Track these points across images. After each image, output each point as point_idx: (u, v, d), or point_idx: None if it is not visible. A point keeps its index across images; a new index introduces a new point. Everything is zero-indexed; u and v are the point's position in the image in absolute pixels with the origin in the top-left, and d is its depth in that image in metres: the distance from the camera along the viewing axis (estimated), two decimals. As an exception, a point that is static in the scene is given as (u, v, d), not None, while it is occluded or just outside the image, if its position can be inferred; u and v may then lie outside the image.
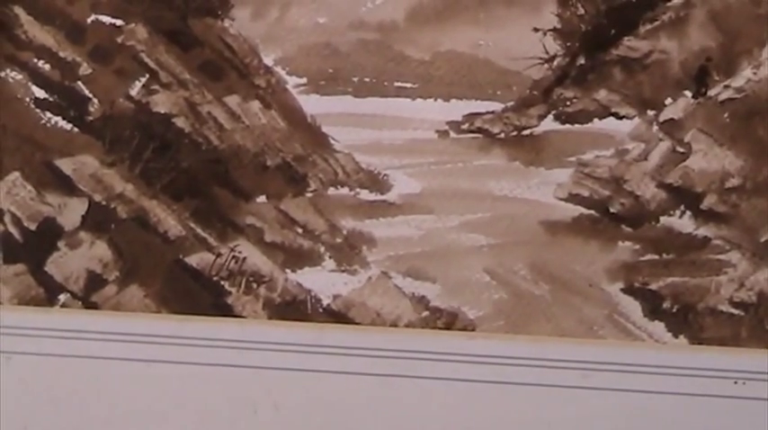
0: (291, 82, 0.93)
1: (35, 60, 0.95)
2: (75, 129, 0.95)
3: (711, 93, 0.92)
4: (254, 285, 0.98)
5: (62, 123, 0.95)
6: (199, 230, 0.97)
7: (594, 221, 0.94)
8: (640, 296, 0.94)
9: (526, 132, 0.93)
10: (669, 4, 0.90)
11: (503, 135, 0.93)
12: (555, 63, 0.91)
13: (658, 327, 0.93)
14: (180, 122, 0.95)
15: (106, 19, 0.93)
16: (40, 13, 0.94)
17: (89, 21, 0.93)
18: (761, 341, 0.93)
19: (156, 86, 0.94)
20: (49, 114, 0.95)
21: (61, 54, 0.95)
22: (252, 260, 0.97)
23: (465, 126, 0.93)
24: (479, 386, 0.95)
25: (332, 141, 0.94)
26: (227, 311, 0.97)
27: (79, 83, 0.95)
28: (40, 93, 0.95)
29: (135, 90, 0.95)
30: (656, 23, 0.91)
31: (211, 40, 0.94)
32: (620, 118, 0.92)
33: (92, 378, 0.98)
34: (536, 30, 0.91)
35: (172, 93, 0.94)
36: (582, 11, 0.92)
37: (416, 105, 0.93)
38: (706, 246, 0.94)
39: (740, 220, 0.93)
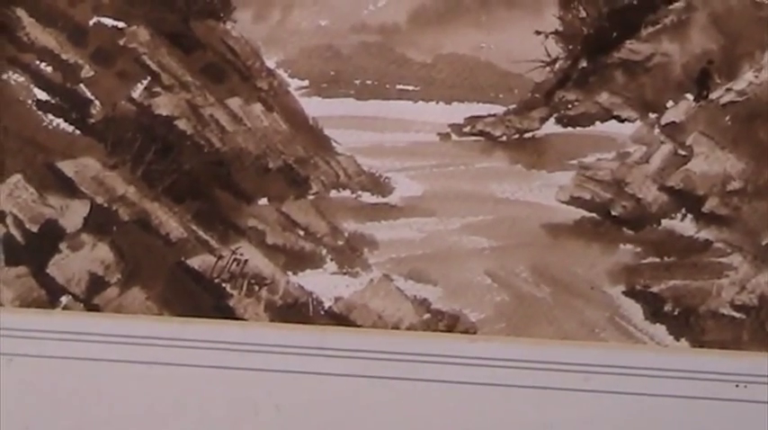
0: (293, 84, 0.93)
1: (37, 62, 0.94)
2: (78, 132, 0.94)
3: (713, 96, 0.91)
4: (256, 287, 0.97)
5: (64, 125, 0.94)
6: (200, 233, 0.96)
7: (596, 224, 0.93)
8: (642, 299, 0.93)
9: (528, 135, 0.92)
10: (671, 7, 0.89)
11: (504, 138, 0.92)
12: (557, 66, 0.90)
13: (660, 330, 0.92)
14: (182, 125, 0.94)
15: (108, 21, 0.93)
16: (41, 15, 0.93)
17: (91, 23, 0.93)
18: (762, 344, 0.92)
19: (157, 89, 0.93)
20: (50, 116, 0.94)
21: (63, 56, 0.94)
22: (253, 262, 0.97)
23: (467, 129, 0.92)
24: (481, 389, 0.95)
25: (334, 144, 0.93)
26: (228, 314, 0.97)
27: (81, 85, 0.94)
28: (42, 95, 0.94)
29: (137, 92, 0.94)
30: (658, 26, 0.90)
31: (213, 42, 0.93)
32: (622, 121, 0.91)
33: (93, 380, 0.97)
34: (538, 32, 0.90)
35: (174, 95, 0.93)
36: (584, 14, 0.91)
37: (418, 108, 0.92)
38: (707, 249, 0.93)
39: (742, 223, 0.92)
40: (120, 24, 0.92)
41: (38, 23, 0.93)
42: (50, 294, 0.96)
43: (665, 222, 0.92)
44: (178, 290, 0.97)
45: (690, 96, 0.91)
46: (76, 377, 0.98)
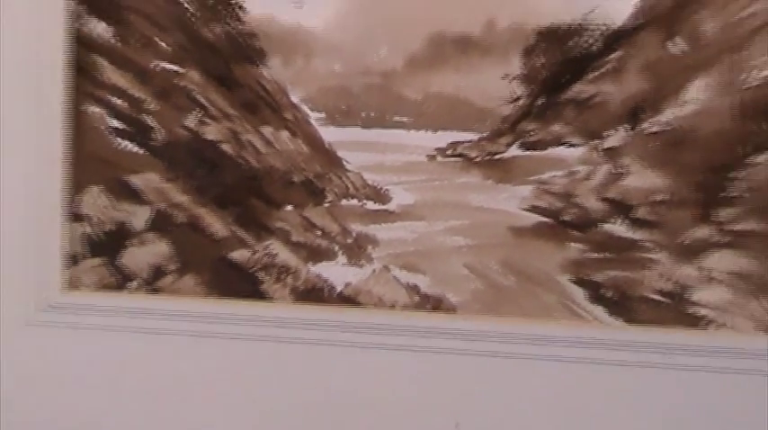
0: (313, 116, 0.99)
1: (111, 97, 1.01)
2: (143, 152, 1.01)
3: (643, 127, 0.96)
4: (283, 275, 1.03)
5: (132, 147, 1.01)
6: (239, 232, 1.02)
7: (550, 227, 0.99)
8: (586, 285, 0.99)
9: (497, 157, 0.98)
10: (610, 56, 0.95)
11: (479, 159, 0.97)
12: (520, 102, 0.96)
13: (599, 311, 0.99)
14: (225, 147, 1.00)
15: (167, 65, 0.99)
16: (115, 61, 1.00)
17: (153, 67, 0.99)
18: (681, 322, 0.98)
19: (206, 119, 1.00)
20: (121, 140, 1.01)
21: (131, 92, 1.01)
22: (281, 256, 1.03)
23: (449, 152, 0.98)
24: (459, 356, 1.01)
25: (344, 163, 1.00)
26: (261, 296, 1.03)
27: (145, 115, 1.01)
28: (115, 123, 1.01)
29: (190, 121, 1.00)
30: (600, 71, 0.96)
31: (250, 82, 0.99)
32: (571, 146, 0.97)
33: (152, 347, 1.04)
34: (505, 76, 0.96)
35: (219, 124, 0.99)
36: (542, 61, 0.96)
37: (411, 135, 0.98)
38: (637, 246, 0.99)
39: (665, 227, 0.98)
40: (177, 68, 0.99)
41: (112, 66, 1.00)
42: (121, 280, 1.03)
43: (604, 226, 0.98)
44: (221, 277, 1.03)
45: (625, 127, 0.97)
46: (140, 345, 1.04)
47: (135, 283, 1.02)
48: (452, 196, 1.02)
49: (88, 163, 1.01)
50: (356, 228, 1.02)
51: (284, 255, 1.03)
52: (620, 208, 1.01)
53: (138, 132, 1.01)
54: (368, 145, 1.03)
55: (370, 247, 1.02)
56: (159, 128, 1.01)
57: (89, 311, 1.02)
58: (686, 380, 1.00)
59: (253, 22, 1.01)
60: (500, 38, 1.00)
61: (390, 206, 1.03)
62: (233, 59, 1.01)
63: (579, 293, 1.01)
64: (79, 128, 1.00)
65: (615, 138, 1.00)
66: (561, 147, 1.01)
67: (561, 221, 1.01)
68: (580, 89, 1.00)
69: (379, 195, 1.03)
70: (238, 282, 1.03)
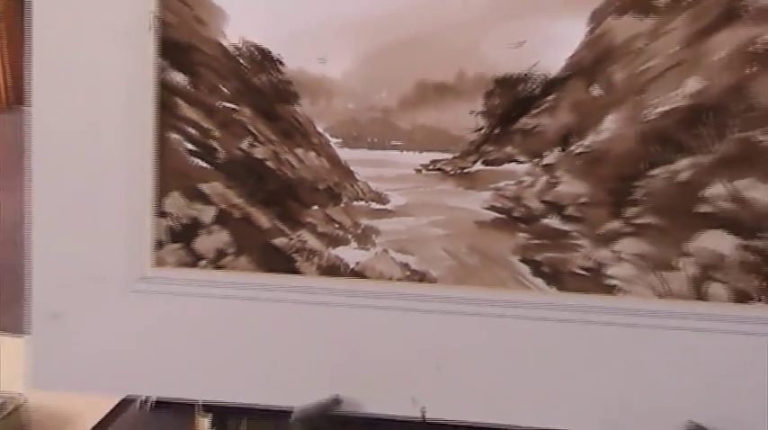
0: (332, 141, 1.09)
1: (186, 127, 1.11)
2: (209, 167, 1.11)
3: (571, 148, 1.09)
4: (311, 256, 1.13)
5: (202, 164, 1.12)
6: (279, 225, 1.13)
7: (504, 221, 1.10)
8: (530, 264, 1.11)
9: (466, 170, 1.09)
10: (547, 98, 1.07)
11: (452, 172, 1.09)
12: (482, 131, 1.07)
13: (540, 282, 1.10)
14: (269, 163, 1.11)
15: (227, 104, 1.10)
16: (189, 101, 1.11)
17: (217, 105, 1.10)
18: (598, 289, 1.10)
19: (255, 143, 1.10)
20: (194, 158, 1.11)
21: (201, 124, 1.11)
22: (310, 242, 1.13)
23: (431, 167, 1.09)
24: (438, 315, 1.12)
25: (355, 175, 1.10)
26: (295, 271, 1.13)
27: (211, 140, 1.11)
28: (189, 146, 1.11)
29: (243, 145, 1.10)
30: (541, 109, 1.08)
31: (287, 116, 1.09)
32: (519, 163, 1.09)
33: (218, 311, 1.15)
34: (472, 112, 1.08)
35: (264, 147, 1.10)
36: (498, 101, 1.08)
37: (403, 155, 1.10)
38: (567, 235, 1.10)
39: (587, 221, 1.09)
40: (234, 106, 1.10)
41: (187, 105, 1.11)
42: (194, 259, 1.14)
43: (543, 220, 1.10)
44: (266, 257, 1.13)
45: (558, 149, 1.09)
46: (207, 307, 1.14)
47: (204, 262, 1.13)
48: (433, 199, 1.12)
49: (170, 175, 1.11)
50: (364, 222, 1.12)
51: (312, 241, 1.13)
52: (555, 207, 1.12)
53: (206, 153, 1.12)
54: (372, 162, 1.13)
55: (373, 236, 1.13)
56: (221, 149, 1.12)
57: (171, 282, 1.13)
58: (600, 333, 1.11)
59: (288, 73, 1.11)
60: (468, 84, 1.10)
61: (388, 206, 1.13)
62: (275, 100, 1.11)
63: (525, 269, 1.12)
64: (164, 149, 1.11)
65: (551, 157, 1.11)
66: (512, 164, 1.12)
67: (512, 217, 1.12)
68: (525, 122, 1.11)
69: (380, 198, 1.13)
70: (279, 261, 1.13)
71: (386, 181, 1.14)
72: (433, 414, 1.13)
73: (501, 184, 1.13)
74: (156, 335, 1.15)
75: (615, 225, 1.11)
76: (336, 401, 1.12)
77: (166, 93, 1.13)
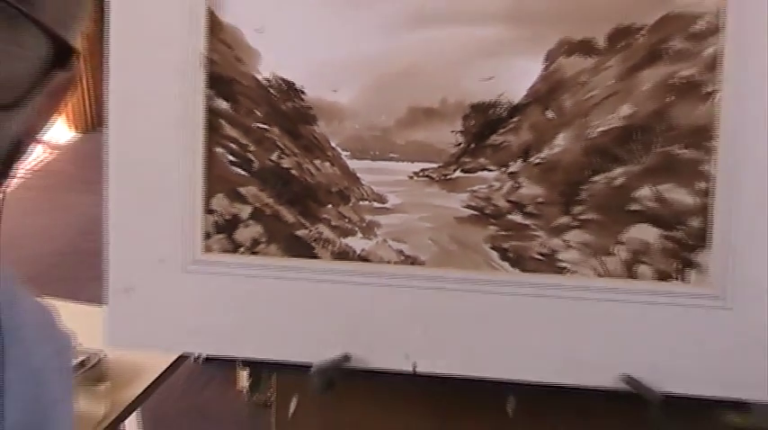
0: (343, 154, 1.11)
1: (229, 143, 1.13)
2: (247, 175, 1.12)
3: (531, 160, 1.10)
4: (326, 245, 1.14)
5: (240, 172, 1.13)
6: (301, 220, 1.14)
7: (478, 217, 1.11)
8: (498, 250, 1.12)
9: (448, 177, 1.10)
10: (512, 120, 1.09)
11: (438, 178, 1.10)
12: (461, 146, 1.09)
13: (506, 265, 1.12)
14: (293, 171, 1.12)
15: (260, 125, 1.12)
16: (231, 122, 1.12)
17: (253, 126, 1.11)
18: (552, 270, 1.11)
19: (283, 155, 1.12)
20: (235, 167, 1.13)
21: (241, 141, 1.12)
22: (325, 233, 1.14)
23: (421, 174, 1.10)
24: (425, 291, 1.13)
25: (361, 180, 1.11)
26: (314, 256, 1.14)
27: (248, 154, 1.12)
28: (231, 158, 1.13)
29: (274, 157, 1.11)
30: (507, 128, 1.10)
31: (308, 135, 1.10)
32: (490, 171, 1.10)
33: (251, 288, 1.15)
34: (453, 131, 1.09)
35: (290, 158, 1.11)
36: (473, 122, 1.09)
37: (399, 164, 1.10)
38: (528, 228, 1.11)
39: (543, 217, 1.10)
40: (266, 126, 1.11)
41: (229, 126, 1.12)
42: (234, 247, 1.14)
43: (508, 216, 1.11)
44: (291, 245, 1.13)
45: (520, 160, 1.10)
46: (245, 286, 1.15)
47: (242, 249, 1.13)
48: (422, 199, 1.13)
49: (216, 180, 1.12)
50: (367, 217, 1.13)
51: (327, 233, 1.14)
52: (518, 206, 1.13)
53: (244, 163, 1.12)
54: (374, 170, 1.14)
55: (375, 228, 1.13)
56: (256, 160, 1.13)
57: (216, 265, 1.13)
58: (553, 304, 1.12)
59: (308, 100, 1.13)
60: (449, 109, 1.12)
61: (387, 205, 1.14)
62: (298, 121, 1.12)
63: (494, 255, 1.13)
64: (211, 161, 1.11)
65: (514, 166, 1.13)
66: (484, 172, 1.13)
67: (484, 214, 1.13)
68: (495, 139, 1.12)
69: (381, 198, 1.14)
70: (300, 249, 1.13)
71: (385, 185, 1.15)
72: (422, 367, 1.14)
73: (475, 188, 1.14)
74: (205, 306, 1.16)
75: (565, 220, 1.13)
76: (346, 357, 1.13)
77: (213, 116, 1.14)
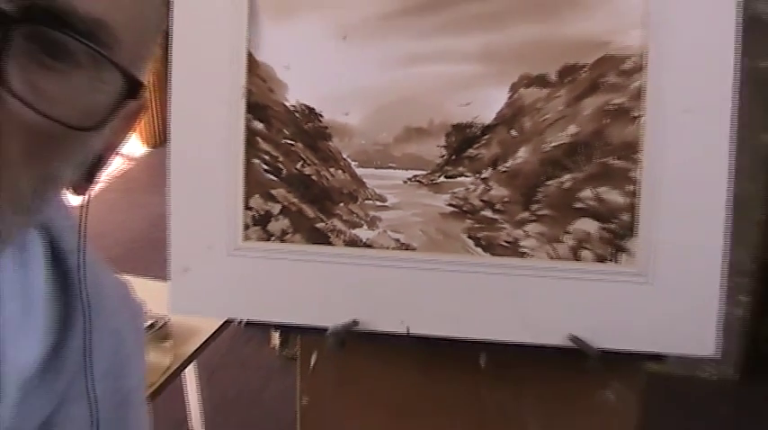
0: (353, 163, 1.10)
1: (263, 155, 1.12)
2: (277, 180, 1.11)
3: (499, 168, 1.08)
4: (339, 235, 1.13)
5: (272, 177, 1.12)
6: (320, 215, 1.13)
7: (458, 213, 1.10)
8: (473, 239, 1.11)
9: (434, 182, 1.09)
10: (484, 137, 1.08)
11: (426, 183, 1.09)
12: (444, 158, 1.08)
13: (479, 250, 1.11)
14: (313, 177, 1.11)
15: (288, 141, 1.10)
16: (265, 138, 1.10)
17: (282, 141, 1.10)
18: (513, 254, 1.09)
19: (305, 165, 1.11)
20: (268, 175, 1.12)
21: (272, 153, 1.11)
22: (338, 226, 1.13)
23: (413, 180, 1.10)
24: (416, 271, 1.12)
25: (367, 185, 1.11)
26: (329, 244, 1.14)
27: (278, 163, 1.11)
28: (265, 167, 1.12)
29: (298, 166, 1.10)
30: (480, 143, 1.07)
31: (324, 148, 1.10)
32: (467, 176, 1.09)
33: (281, 269, 1.14)
34: (438, 146, 1.08)
35: (311, 167, 1.10)
36: (454, 139, 1.08)
37: (396, 172, 1.10)
38: (497, 221, 1.10)
39: (508, 213, 1.06)
40: (292, 142, 1.10)
41: (263, 141, 1.10)
42: (267, 236, 1.14)
43: (481, 212, 1.10)
44: (312, 235, 1.13)
45: (491, 168, 1.09)
46: (276, 268, 1.14)
47: (273, 238, 1.13)
48: (414, 199, 1.13)
49: (253, 184, 1.11)
50: (371, 213, 1.12)
51: (340, 225, 1.13)
52: (489, 204, 1.12)
53: (275, 171, 1.12)
54: (377, 176, 1.13)
55: (377, 222, 1.13)
56: (284, 169, 1.12)
57: (253, 251, 1.13)
58: (516, 281, 1.11)
59: (325, 121, 1.12)
60: (436, 128, 1.11)
61: (387, 203, 1.13)
62: (317, 138, 1.12)
63: (471, 242, 1.12)
64: (249, 169, 1.11)
65: (486, 173, 1.12)
66: (462, 177, 1.12)
67: (462, 210, 1.12)
68: (471, 151, 1.12)
69: (382, 199, 1.13)
70: (319, 238, 1.13)
71: (385, 188, 1.14)
72: (414, 330, 1.13)
73: (455, 190, 1.13)
74: (245, 282, 1.16)
75: (525, 215, 1.12)
76: (355, 322, 1.13)
77: (251, 134, 1.14)
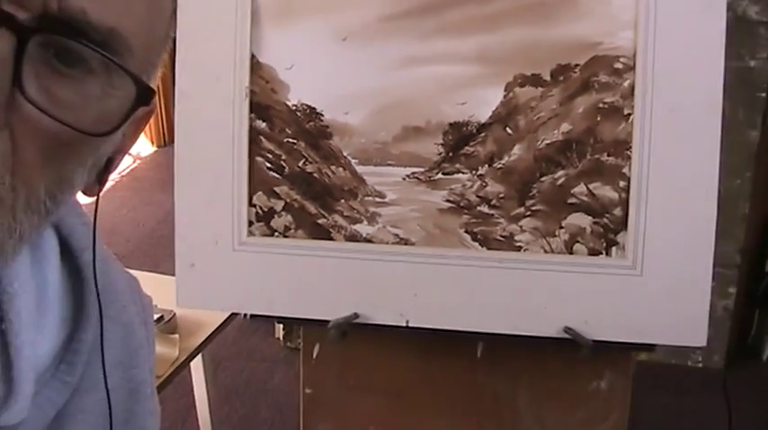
0: (353, 161, 1.09)
1: (266, 154, 1.11)
2: (280, 177, 1.11)
3: (495, 165, 1.08)
4: (340, 230, 1.13)
5: (275, 175, 1.11)
6: (322, 211, 1.12)
7: (455, 208, 1.09)
8: (470, 233, 1.10)
9: (432, 178, 1.09)
10: (480, 135, 1.06)
11: (424, 179, 1.09)
12: (441, 155, 1.08)
13: (476, 244, 1.10)
14: (315, 175, 1.10)
15: (290, 139, 1.08)
16: (268, 138, 1.09)
17: (285, 140, 1.09)
18: (510, 248, 1.09)
19: (307, 163, 1.10)
20: (271, 172, 1.11)
21: (275, 152, 1.11)
22: (339, 222, 1.12)
23: (411, 176, 1.09)
24: (414, 265, 1.11)
25: (367, 181, 1.10)
26: (331, 239, 1.13)
27: (281, 161, 1.10)
28: (268, 165, 1.11)
29: (300, 164, 1.08)
30: (476, 141, 1.04)
31: (325, 147, 1.09)
32: (463, 173, 1.08)
33: (283, 263, 1.13)
34: (435, 144, 1.08)
35: (313, 165, 1.10)
36: (451, 137, 1.08)
37: (395, 169, 1.10)
38: (493, 217, 1.08)
39: (504, 208, 1.08)
40: (295, 141, 1.09)
41: (267, 140, 1.09)
42: (271, 232, 1.13)
43: (478, 208, 1.09)
44: (314, 230, 1.12)
45: (487, 165, 1.08)
46: (279, 262, 1.13)
47: (277, 233, 1.12)
48: (412, 196, 1.12)
49: (257, 182, 1.10)
50: (371, 209, 1.12)
51: (340, 221, 1.12)
52: (485, 200, 1.11)
53: (278, 169, 1.11)
54: (376, 173, 1.13)
55: (377, 218, 1.12)
56: (287, 167, 1.11)
57: (257, 245, 1.13)
58: (511, 274, 1.11)
59: (326, 121, 1.11)
60: (433, 127, 1.11)
61: (386, 200, 1.13)
62: (318, 137, 1.11)
63: (467, 237, 1.12)
64: (253, 167, 1.11)
65: (482, 170, 1.11)
66: (459, 174, 1.12)
67: (459, 206, 1.11)
68: (467, 149, 1.11)
69: (381, 195, 1.12)
70: (321, 233, 1.12)
71: (384, 185, 1.14)
72: (413, 323, 1.13)
73: (453, 186, 1.12)
74: (249, 276, 1.15)
75: (520, 210, 1.12)
76: (355, 315, 1.13)
77: (254, 133, 1.13)
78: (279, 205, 1.14)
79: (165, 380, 1.54)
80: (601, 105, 1.06)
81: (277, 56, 1.12)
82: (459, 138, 1.11)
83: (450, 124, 1.11)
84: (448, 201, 1.12)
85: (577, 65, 1.06)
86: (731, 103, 1.01)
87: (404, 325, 1.11)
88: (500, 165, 1.10)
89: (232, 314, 1.65)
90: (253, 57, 1.11)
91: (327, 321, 1.11)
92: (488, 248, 1.11)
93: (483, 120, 1.10)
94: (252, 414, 2.36)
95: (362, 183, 1.13)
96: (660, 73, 1.02)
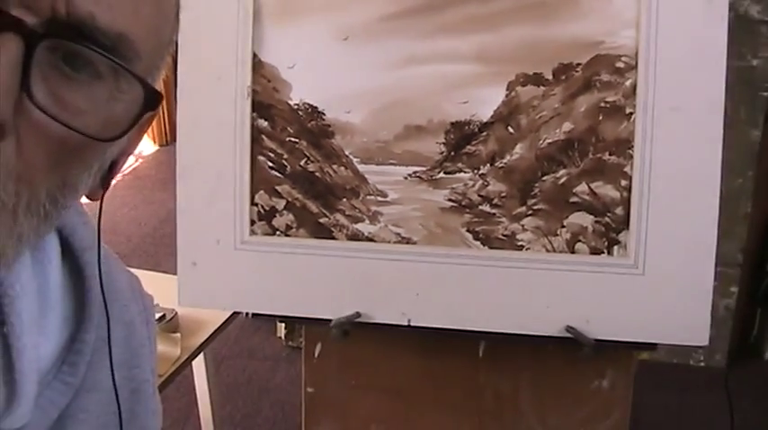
0: (354, 160, 1.09)
1: (268, 153, 1.10)
2: (282, 176, 1.10)
3: (496, 164, 1.08)
4: (342, 229, 1.12)
5: (277, 174, 1.10)
6: (323, 210, 1.12)
7: (457, 207, 1.09)
8: (472, 232, 1.10)
9: (434, 177, 1.08)
10: (482, 134, 1.06)
11: (426, 178, 1.08)
12: (443, 154, 1.07)
13: (477, 243, 1.10)
14: (317, 174, 1.10)
15: (292, 138, 1.07)
16: (270, 137, 1.09)
17: (286, 139, 1.09)
18: (512, 247, 1.08)
19: (309, 162, 1.10)
20: (273, 171, 1.11)
21: (277, 151, 1.10)
22: (341, 221, 1.12)
23: (413, 175, 1.09)
24: (415, 264, 1.11)
25: (368, 180, 1.10)
26: (333, 238, 1.13)
27: (283, 161, 1.09)
28: (270, 164, 1.10)
29: (302, 163, 1.09)
30: (478, 140, 1.07)
31: (327, 146, 1.08)
32: (465, 172, 1.08)
33: (284, 262, 1.13)
34: (438, 143, 1.08)
35: (314, 164, 1.09)
36: (453, 136, 1.05)
37: (396, 168, 1.09)
38: (494, 215, 1.09)
39: (505, 207, 1.07)
40: (296, 140, 1.09)
41: (268, 139, 1.09)
42: (272, 230, 1.13)
43: (479, 207, 1.09)
44: (316, 229, 1.11)
45: (488, 164, 1.08)
46: (281, 260, 1.13)
47: (278, 232, 1.12)
48: (414, 195, 1.11)
49: (259, 181, 1.10)
50: (373, 208, 1.12)
51: (342, 220, 1.12)
52: (486, 199, 1.11)
53: (280, 168, 1.11)
54: (378, 172, 1.12)
55: (379, 217, 1.12)
56: (288, 166, 1.11)
57: (259, 244, 1.12)
58: (513, 273, 1.10)
59: (328, 120, 1.11)
60: (435, 126, 1.10)
61: (388, 199, 1.12)
62: (320, 136, 1.10)
63: (469, 236, 1.12)
64: (255, 166, 1.10)
65: (484, 169, 1.11)
66: (461, 173, 1.11)
67: (461, 205, 1.11)
68: (469, 148, 1.11)
69: (383, 194, 1.12)
70: (323, 232, 1.12)
71: (386, 184, 1.13)
72: (415, 322, 1.13)
73: (454, 185, 1.12)
74: (251, 275, 1.15)
75: (522, 209, 1.11)
76: (357, 314, 1.12)
77: (256, 132, 1.13)
78: (281, 204, 1.14)
79: (166, 379, 1.54)
80: (602, 104, 1.06)
81: (279, 55, 1.11)
82: (461, 137, 1.10)
83: (452, 123, 1.10)
84: (450, 200, 1.11)
85: (579, 64, 1.05)
86: (733, 103, 1.01)
87: (405, 324, 1.11)
88: (502, 165, 1.10)
89: (234, 313, 1.65)
90: (255, 56, 1.11)
91: (329, 320, 1.11)
92: (490, 247, 1.10)
93: (485, 120, 1.09)
94: (254, 413, 2.36)
95: (364, 182, 1.12)
96: (662, 72, 1.02)
